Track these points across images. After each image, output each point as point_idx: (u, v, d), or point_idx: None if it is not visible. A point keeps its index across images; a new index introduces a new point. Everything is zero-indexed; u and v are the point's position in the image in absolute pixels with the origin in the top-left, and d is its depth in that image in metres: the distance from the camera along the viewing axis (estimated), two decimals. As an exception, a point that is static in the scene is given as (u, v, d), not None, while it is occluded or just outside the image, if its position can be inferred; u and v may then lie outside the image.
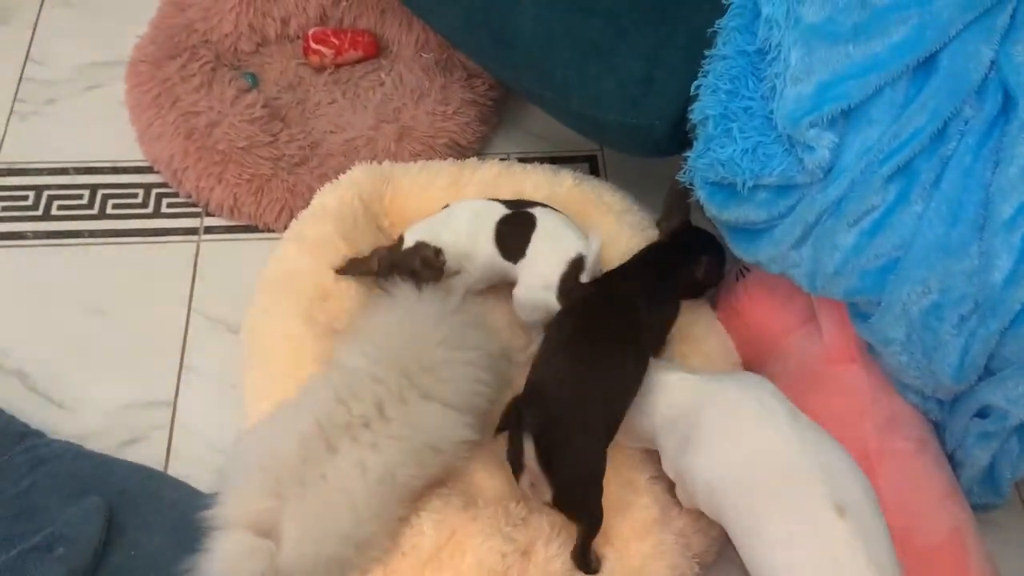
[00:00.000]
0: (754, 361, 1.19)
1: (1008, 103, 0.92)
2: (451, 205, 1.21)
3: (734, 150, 1.02)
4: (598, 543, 1.04)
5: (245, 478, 0.97)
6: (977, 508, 1.08)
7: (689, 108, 1.09)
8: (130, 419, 1.24)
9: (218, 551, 0.93)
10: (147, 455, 1.21)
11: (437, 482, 1.05)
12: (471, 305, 1.12)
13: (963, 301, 0.94)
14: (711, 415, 0.97)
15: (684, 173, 1.10)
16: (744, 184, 1.02)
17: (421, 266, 1.14)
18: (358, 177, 1.27)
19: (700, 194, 1.10)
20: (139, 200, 1.46)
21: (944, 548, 0.97)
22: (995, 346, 0.94)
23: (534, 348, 1.18)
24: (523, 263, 1.15)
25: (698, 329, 1.18)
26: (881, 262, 0.98)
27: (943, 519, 0.99)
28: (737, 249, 1.11)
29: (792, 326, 1.15)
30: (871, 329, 1.02)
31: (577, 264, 1.11)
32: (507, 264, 1.17)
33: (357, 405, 0.99)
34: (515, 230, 1.16)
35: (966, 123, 0.93)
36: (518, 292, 1.17)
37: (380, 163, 1.35)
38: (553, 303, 1.12)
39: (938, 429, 1.08)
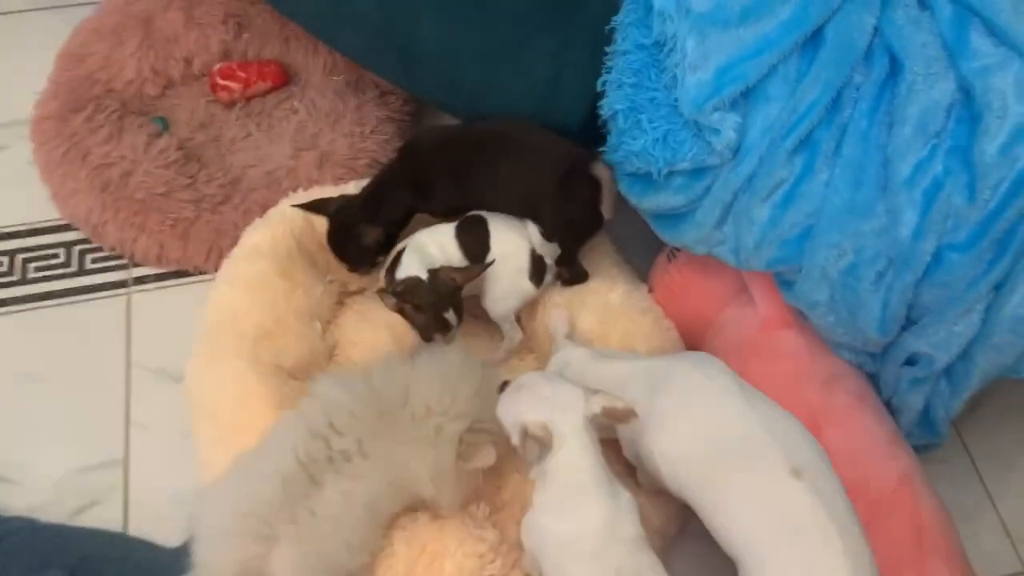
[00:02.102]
0: (694, 337, 1.22)
1: (894, 66, 0.96)
2: (406, 244, 1.20)
3: (645, 140, 1.05)
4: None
5: (225, 526, 0.97)
6: (920, 450, 1.13)
7: (598, 104, 1.12)
8: (82, 484, 1.22)
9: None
10: (105, 518, 1.19)
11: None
12: (482, 374, 1.08)
13: (877, 259, 0.98)
14: (666, 397, 0.99)
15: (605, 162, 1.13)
16: (659, 172, 1.05)
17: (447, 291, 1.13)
18: (287, 212, 1.26)
19: (620, 186, 1.13)
20: (61, 260, 1.43)
21: (896, 493, 1.01)
22: (912, 296, 0.99)
23: (508, 344, 1.23)
24: (497, 263, 1.16)
25: (635, 312, 1.20)
26: (796, 231, 1.02)
27: (891, 467, 1.03)
28: (663, 235, 1.14)
29: (726, 299, 1.19)
30: (796, 295, 1.06)
31: (538, 249, 1.18)
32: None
33: (337, 440, 0.99)
34: (474, 234, 1.18)
35: (858, 90, 0.98)
36: (492, 288, 1.18)
37: (306, 191, 1.35)
38: (527, 284, 1.18)
39: (873, 381, 1.13)
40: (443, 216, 1.25)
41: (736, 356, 1.16)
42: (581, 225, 1.20)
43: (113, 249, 1.41)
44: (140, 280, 1.41)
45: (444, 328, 1.13)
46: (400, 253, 1.19)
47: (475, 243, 1.18)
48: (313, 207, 1.24)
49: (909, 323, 1.03)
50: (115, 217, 1.36)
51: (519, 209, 1.20)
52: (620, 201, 1.20)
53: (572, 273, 1.21)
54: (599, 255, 1.25)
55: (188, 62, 1.53)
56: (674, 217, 1.11)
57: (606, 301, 1.19)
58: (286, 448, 1.00)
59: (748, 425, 0.94)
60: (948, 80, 0.93)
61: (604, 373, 1.07)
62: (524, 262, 1.17)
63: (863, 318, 1.03)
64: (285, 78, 1.54)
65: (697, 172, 1.05)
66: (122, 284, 1.40)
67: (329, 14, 1.23)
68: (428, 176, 1.23)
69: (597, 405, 0.94)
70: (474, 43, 1.17)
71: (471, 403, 1.01)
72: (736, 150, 1.01)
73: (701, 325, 1.21)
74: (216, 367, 1.13)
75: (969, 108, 0.93)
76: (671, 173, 1.06)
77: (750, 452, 0.93)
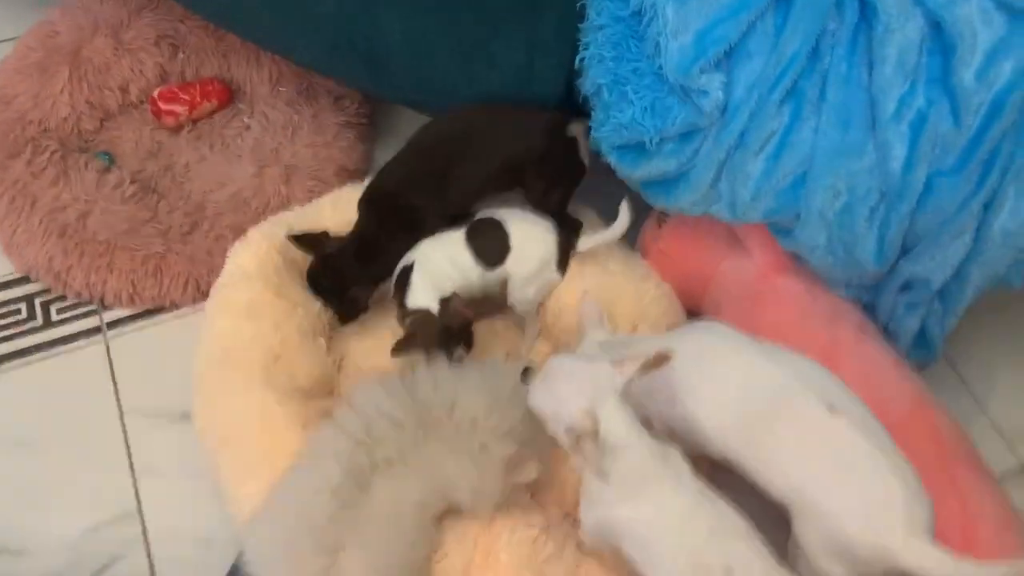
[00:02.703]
0: (692, 298, 1.25)
1: (866, 9, 1.01)
2: (414, 258, 1.17)
3: (633, 111, 1.07)
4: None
5: (284, 549, 0.95)
6: (914, 369, 1.20)
7: (574, 83, 1.13)
8: (98, 542, 1.16)
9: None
10: (130, 573, 1.14)
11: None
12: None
13: (869, 195, 1.03)
14: (688, 371, 1.01)
15: (591, 143, 1.14)
16: (652, 140, 1.07)
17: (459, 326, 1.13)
18: (265, 229, 1.22)
19: (610, 159, 1.14)
20: (23, 315, 1.35)
21: (913, 413, 1.07)
22: (907, 225, 1.04)
23: (532, 337, 1.23)
24: (511, 257, 1.16)
25: (637, 279, 1.22)
26: (790, 180, 1.06)
27: (904, 388, 1.09)
28: (656, 201, 1.16)
29: (721, 255, 1.22)
30: (795, 241, 1.10)
31: (563, 234, 1.19)
32: (496, 272, 1.18)
33: (379, 448, 0.98)
34: (489, 238, 1.17)
35: (833, 36, 1.01)
36: (517, 286, 1.18)
37: (274, 209, 1.32)
38: (555, 275, 1.19)
39: (869, 310, 1.19)
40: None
41: (740, 308, 1.20)
42: (569, 178, 1.21)
43: (79, 296, 1.34)
44: (114, 324, 1.35)
45: (450, 358, 1.12)
46: (408, 270, 1.15)
47: (492, 247, 1.17)
48: (304, 242, 1.18)
49: (904, 251, 1.09)
50: (79, 262, 1.30)
51: (505, 184, 1.20)
52: (600, 176, 1.22)
53: (566, 225, 1.22)
54: (589, 228, 1.26)
55: (124, 90, 1.46)
56: (667, 183, 1.13)
57: (605, 270, 1.21)
58: (329, 460, 0.99)
59: (776, 377, 0.97)
60: (916, 17, 0.98)
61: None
62: (552, 253, 1.18)
63: (860, 254, 1.08)
64: (229, 95, 1.49)
65: (687, 136, 1.08)
66: (95, 331, 1.34)
67: (286, 26, 1.20)
68: (409, 212, 1.20)
69: (630, 368, 0.95)
70: (442, 38, 1.16)
71: (519, 424, 1.01)
72: (724, 109, 1.04)
73: (699, 285, 1.24)
74: (231, 400, 1.10)
75: (940, 41, 0.98)
76: (662, 140, 1.08)
77: (784, 402, 0.95)
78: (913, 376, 1.14)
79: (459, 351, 1.13)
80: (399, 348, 1.10)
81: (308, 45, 1.23)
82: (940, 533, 0.89)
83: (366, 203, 1.21)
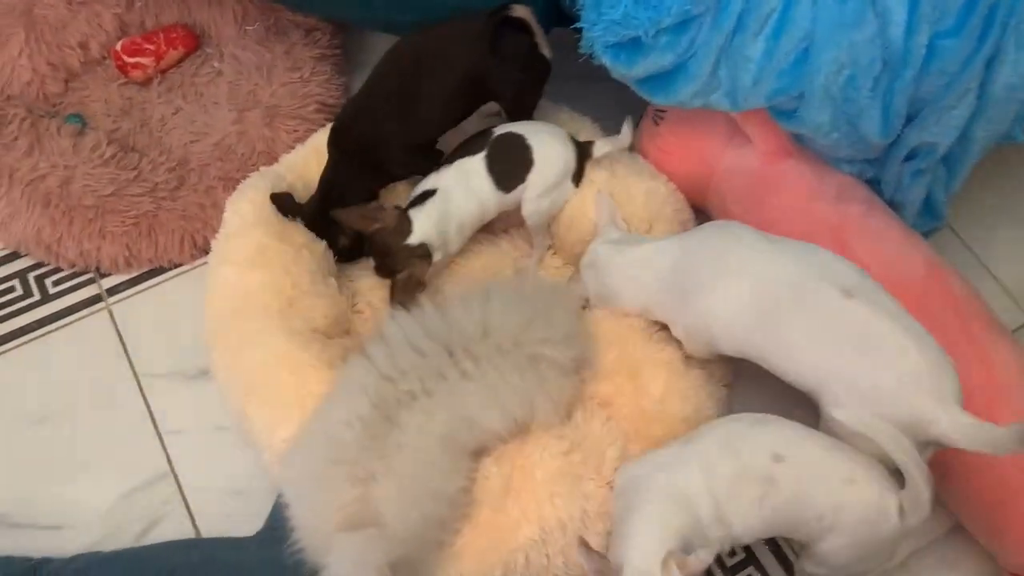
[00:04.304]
0: (698, 193, 1.25)
1: None
2: (427, 183, 1.15)
3: (626, 6, 1.04)
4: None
5: (317, 481, 0.96)
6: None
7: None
8: (135, 507, 1.16)
9: (332, 565, 0.91)
10: (172, 531, 1.15)
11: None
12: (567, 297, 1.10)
13: (872, 65, 1.02)
14: (701, 267, 1.01)
15: (583, 45, 1.11)
16: (647, 33, 1.04)
17: (405, 279, 1.11)
18: (257, 182, 1.19)
19: (604, 60, 1.11)
20: (19, 292, 1.31)
21: (927, 278, 1.08)
22: (911, 93, 1.03)
23: (540, 251, 1.22)
24: (537, 170, 1.14)
25: (647, 176, 1.21)
26: (792, 58, 1.04)
27: (915, 256, 1.10)
28: (655, 98, 1.14)
29: (722, 147, 1.21)
30: (799, 121, 1.09)
31: (577, 143, 1.17)
32: (514, 193, 1.16)
33: (403, 381, 0.98)
34: (511, 160, 1.14)
35: (821, -95, 0.99)
36: (533, 197, 1.16)
37: (260, 154, 1.28)
38: (570, 186, 1.17)
39: (873, 185, 1.19)
40: (410, 174, 1.20)
41: (746, 197, 1.20)
42: (534, 76, 1.18)
43: (73, 266, 1.30)
44: (113, 291, 1.32)
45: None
46: (426, 196, 1.12)
47: (515, 167, 1.14)
48: (280, 205, 1.16)
49: (908, 120, 1.08)
50: (70, 231, 1.26)
51: (474, 101, 1.18)
52: (588, 81, 1.19)
53: None
54: (584, 137, 1.24)
55: (85, 47, 1.39)
56: (664, 77, 1.11)
57: (614, 175, 1.19)
58: (358, 393, 0.99)
59: (789, 268, 0.97)
60: None
61: (629, 259, 1.08)
62: (571, 163, 1.16)
63: (866, 126, 1.07)
64: (195, 40, 1.43)
65: (682, 25, 1.05)
66: (96, 300, 1.31)
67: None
68: (373, 145, 1.16)
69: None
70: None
71: (566, 328, 1.01)
72: (718, -7, 1.01)
73: (703, 179, 1.24)
74: (251, 350, 1.08)
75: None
76: (657, 32, 1.05)
77: (799, 291, 0.96)
78: (922, 243, 1.15)
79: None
80: (399, 292, 1.10)
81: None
82: (965, 397, 0.91)
83: (332, 144, 1.18)
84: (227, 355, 1.11)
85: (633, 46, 1.08)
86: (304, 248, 1.16)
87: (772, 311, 0.96)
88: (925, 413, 0.88)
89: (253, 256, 1.13)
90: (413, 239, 1.11)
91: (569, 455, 1.04)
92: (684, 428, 1.07)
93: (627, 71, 1.11)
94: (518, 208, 1.20)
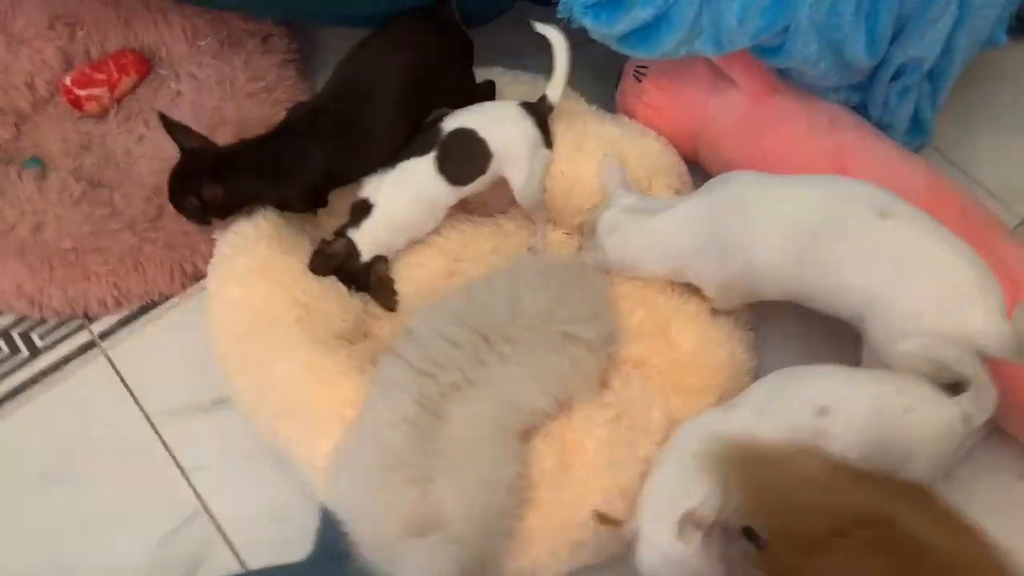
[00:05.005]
0: (691, 143, 1.24)
1: None
2: (363, 192, 1.14)
3: (603, -37, 1.02)
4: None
5: (374, 491, 0.94)
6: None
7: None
8: (174, 552, 1.11)
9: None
10: (219, 568, 1.10)
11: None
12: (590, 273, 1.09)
13: (854, -12, 1.02)
14: (731, 223, 1.01)
15: (560, 10, 1.09)
16: (628, -15, 1.03)
17: (376, 286, 1.13)
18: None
19: (585, 22, 1.10)
20: (5, 352, 1.24)
21: (930, 190, 1.08)
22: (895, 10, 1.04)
23: (543, 227, 1.20)
24: (504, 158, 1.12)
25: (638, 135, 1.20)
26: (774, -8, 1.04)
27: (915, 172, 1.12)
28: (639, 52, 1.13)
29: (707, 93, 1.21)
30: (787, 55, 1.09)
31: (532, 108, 1.15)
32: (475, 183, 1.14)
33: (443, 374, 0.96)
34: (463, 156, 1.12)
35: None
36: (520, 185, 1.14)
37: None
38: (547, 153, 1.15)
39: (860, 110, 1.20)
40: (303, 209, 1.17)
41: (740, 139, 1.20)
42: (466, 63, 1.18)
43: (59, 314, 1.24)
44: (106, 334, 1.25)
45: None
46: (369, 206, 1.11)
47: (469, 164, 1.12)
48: (173, 129, 1.11)
49: (892, 39, 1.09)
50: (52, 277, 1.19)
51: (425, 104, 1.15)
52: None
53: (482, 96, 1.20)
54: (570, 101, 1.22)
55: (31, 87, 1.32)
56: (646, 30, 1.10)
57: (609, 137, 1.18)
58: (399, 393, 0.97)
59: (818, 201, 0.97)
60: None
61: (657, 225, 1.06)
62: (535, 134, 1.13)
63: (852, 51, 1.08)
64: (147, 64, 1.37)
65: (661, -26, 1.04)
66: (90, 345, 1.24)
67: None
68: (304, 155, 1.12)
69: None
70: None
71: (590, 303, 1.00)
72: (695, -65, 1.01)
73: (692, 129, 1.23)
74: (275, 365, 1.04)
75: None
76: (636, -15, 1.04)
77: (835, 220, 0.95)
78: (918, 159, 1.17)
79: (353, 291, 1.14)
80: (380, 299, 1.14)
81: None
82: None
83: (272, 134, 1.13)
84: (248, 376, 1.07)
85: (613, 4, 1.07)
86: (307, 253, 1.13)
87: (812, 247, 0.96)
88: (974, 325, 0.88)
89: (258, 271, 1.09)
90: (364, 257, 1.12)
91: (616, 422, 1.03)
92: (723, 374, 1.08)
93: (609, 29, 1.10)
94: (506, 190, 1.18)
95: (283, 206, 1.15)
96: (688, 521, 0.84)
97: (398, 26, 1.14)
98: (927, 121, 1.20)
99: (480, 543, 0.94)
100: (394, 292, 1.15)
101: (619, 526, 0.94)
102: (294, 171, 1.11)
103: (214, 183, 1.07)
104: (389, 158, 1.13)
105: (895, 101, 1.16)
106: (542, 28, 1.13)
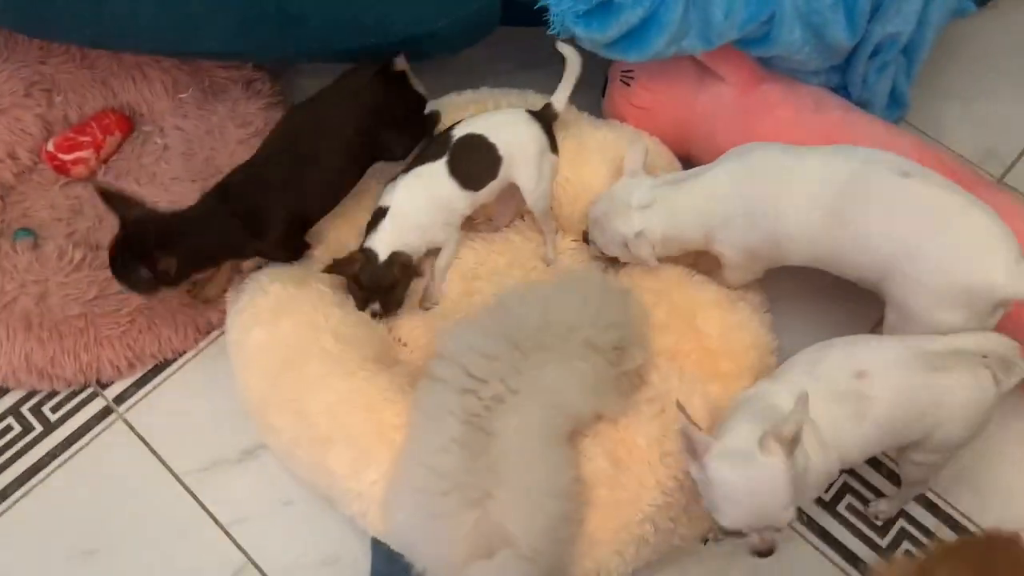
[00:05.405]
0: (683, 140, 1.27)
1: None
2: (381, 201, 1.14)
3: (591, -29, 1.05)
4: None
5: (433, 518, 0.93)
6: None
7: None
8: (226, 609, 1.08)
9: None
10: (273, 621, 1.08)
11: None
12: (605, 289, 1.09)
13: (831, -28, 1.07)
14: (758, 190, 1.03)
15: (552, 23, 1.12)
16: (617, -10, 1.06)
17: (401, 274, 1.11)
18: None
19: (576, 31, 1.12)
20: (18, 429, 1.20)
21: (923, 158, 1.11)
22: (871, -11, 1.09)
23: (551, 235, 1.22)
24: (513, 163, 1.14)
25: (632, 138, 1.22)
26: (757, -16, 1.08)
27: (903, 142, 1.16)
28: (629, 56, 1.16)
29: (695, 90, 1.24)
30: (773, 44, 1.14)
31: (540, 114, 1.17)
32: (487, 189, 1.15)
33: (484, 387, 0.96)
34: (474, 160, 1.13)
35: None
36: (530, 190, 1.16)
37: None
38: (554, 158, 1.17)
39: (840, 91, 1.25)
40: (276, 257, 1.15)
41: (735, 128, 1.23)
42: (416, 120, 1.20)
43: (71, 384, 1.20)
44: (121, 398, 1.22)
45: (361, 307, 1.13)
46: (382, 212, 1.12)
47: (480, 168, 1.14)
48: (111, 199, 1.06)
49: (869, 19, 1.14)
50: (62, 346, 1.16)
51: (367, 155, 1.16)
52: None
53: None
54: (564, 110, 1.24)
55: (13, 156, 1.30)
56: (635, 34, 1.13)
57: (606, 141, 1.21)
58: (443, 416, 0.96)
59: (839, 166, 1.00)
60: None
61: (697, 195, 1.08)
62: (542, 140, 1.15)
63: (833, 34, 1.12)
64: (129, 122, 1.35)
65: (648, -24, 1.07)
66: (107, 412, 1.21)
67: (188, 18, 1.09)
68: (256, 212, 1.10)
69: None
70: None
71: (615, 313, 1.01)
72: (675, -63, 1.04)
73: (684, 126, 1.26)
74: (316, 396, 1.03)
75: None
76: (624, -10, 1.07)
77: (859, 182, 0.98)
78: (902, 131, 1.22)
79: (375, 306, 1.13)
80: (334, 267, 1.11)
81: (215, 30, 1.12)
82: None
83: (216, 194, 1.09)
84: (289, 414, 1.05)
85: (603, 10, 1.10)
86: (321, 282, 1.13)
87: (838, 209, 0.99)
88: (998, 275, 0.92)
89: (274, 310, 1.08)
90: (382, 257, 1.11)
91: (663, 414, 1.05)
92: (752, 355, 1.11)
93: (600, 35, 1.13)
94: (510, 201, 1.20)
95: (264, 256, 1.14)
96: (771, 433, 0.85)
97: (347, 81, 1.14)
98: (903, 95, 1.26)
99: (548, 554, 0.93)
100: (403, 298, 1.14)
101: (696, 429, 0.90)
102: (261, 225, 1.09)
103: (166, 254, 1.03)
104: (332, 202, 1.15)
105: (874, 78, 1.21)
106: (561, 47, 1.15)
